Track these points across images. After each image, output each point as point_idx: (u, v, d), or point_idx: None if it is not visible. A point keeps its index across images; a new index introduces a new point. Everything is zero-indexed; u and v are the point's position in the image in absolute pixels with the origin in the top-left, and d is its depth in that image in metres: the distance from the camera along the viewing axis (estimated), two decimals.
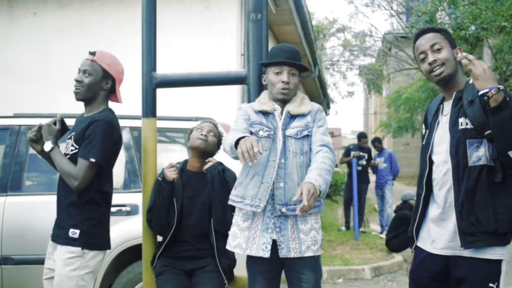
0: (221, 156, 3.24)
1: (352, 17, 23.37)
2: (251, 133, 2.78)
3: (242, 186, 2.78)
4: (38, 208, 4.06)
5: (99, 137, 2.97)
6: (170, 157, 4.42)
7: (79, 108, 3.23)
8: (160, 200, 3.13)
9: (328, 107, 23.53)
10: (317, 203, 2.73)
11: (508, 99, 2.25)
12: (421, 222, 2.63)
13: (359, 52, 27.90)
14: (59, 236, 3.01)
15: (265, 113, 2.82)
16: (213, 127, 3.31)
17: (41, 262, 3.89)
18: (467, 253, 2.40)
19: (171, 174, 3.11)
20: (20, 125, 4.28)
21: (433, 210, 2.56)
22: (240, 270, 3.28)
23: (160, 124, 3.54)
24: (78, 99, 3.12)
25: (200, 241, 3.18)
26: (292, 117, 2.80)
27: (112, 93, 3.19)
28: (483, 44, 15.09)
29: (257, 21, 3.16)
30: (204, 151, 3.23)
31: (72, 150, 3.04)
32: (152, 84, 3.28)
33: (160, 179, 3.17)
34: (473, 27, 13.58)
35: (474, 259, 2.39)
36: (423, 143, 2.66)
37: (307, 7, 11.02)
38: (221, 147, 2.99)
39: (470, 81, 2.45)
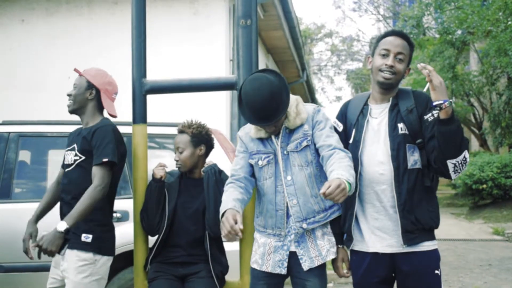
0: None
1: (340, 22, 23.48)
2: (251, 165, 2.80)
3: (262, 215, 2.80)
4: (28, 216, 4.00)
5: (107, 139, 3.01)
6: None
7: (66, 114, 3.25)
8: (149, 197, 3.18)
9: None
10: (336, 207, 2.74)
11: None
12: (352, 222, 2.69)
13: (346, 56, 28.05)
14: (69, 240, 3.00)
15: (261, 139, 2.78)
16: (181, 139, 3.23)
17: (30, 269, 3.90)
18: (408, 249, 2.57)
19: (158, 171, 3.18)
20: (9, 132, 4.25)
21: (366, 209, 2.65)
22: (232, 276, 3.28)
23: (151, 130, 3.53)
24: (69, 112, 3.20)
25: (193, 246, 3.18)
26: (291, 131, 2.72)
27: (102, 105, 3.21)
28: (469, 48, 15.21)
29: (247, 27, 3.18)
30: (189, 169, 3.25)
31: (75, 160, 3.07)
32: (143, 90, 3.29)
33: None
34: (459, 31, 13.73)
35: (416, 253, 2.58)
36: (350, 141, 2.71)
37: (295, 12, 11.06)
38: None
39: (420, 91, 2.68)
